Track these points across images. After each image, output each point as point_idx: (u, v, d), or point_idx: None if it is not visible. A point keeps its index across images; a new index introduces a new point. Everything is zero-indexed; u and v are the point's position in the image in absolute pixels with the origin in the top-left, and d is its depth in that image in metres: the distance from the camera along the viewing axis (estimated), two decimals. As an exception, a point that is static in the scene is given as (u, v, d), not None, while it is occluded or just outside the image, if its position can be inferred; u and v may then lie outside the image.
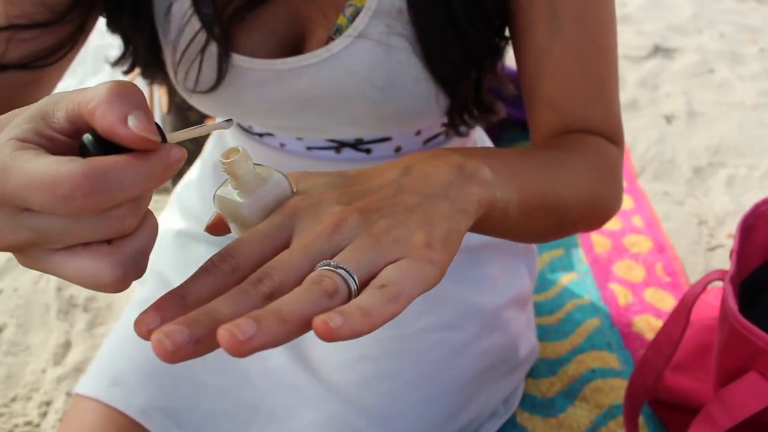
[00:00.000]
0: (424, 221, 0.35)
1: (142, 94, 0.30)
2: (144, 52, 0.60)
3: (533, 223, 0.47)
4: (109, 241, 0.30)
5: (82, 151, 0.29)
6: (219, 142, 0.77)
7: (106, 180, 0.27)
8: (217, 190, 0.37)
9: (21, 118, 0.29)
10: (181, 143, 0.31)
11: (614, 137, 0.57)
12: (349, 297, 0.31)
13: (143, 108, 0.29)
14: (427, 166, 0.40)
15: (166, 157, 0.29)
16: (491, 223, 0.42)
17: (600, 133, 0.56)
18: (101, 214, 0.29)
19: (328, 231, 0.34)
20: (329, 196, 0.37)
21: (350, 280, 0.32)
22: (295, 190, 0.38)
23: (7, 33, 0.51)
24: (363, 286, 0.32)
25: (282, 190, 0.37)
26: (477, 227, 0.42)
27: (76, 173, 0.27)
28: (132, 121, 0.28)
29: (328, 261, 0.32)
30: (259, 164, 0.38)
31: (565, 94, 0.55)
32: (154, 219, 0.32)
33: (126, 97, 0.28)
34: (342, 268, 0.32)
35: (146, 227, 0.32)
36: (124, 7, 0.56)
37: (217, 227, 0.39)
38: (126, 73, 0.64)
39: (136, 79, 0.70)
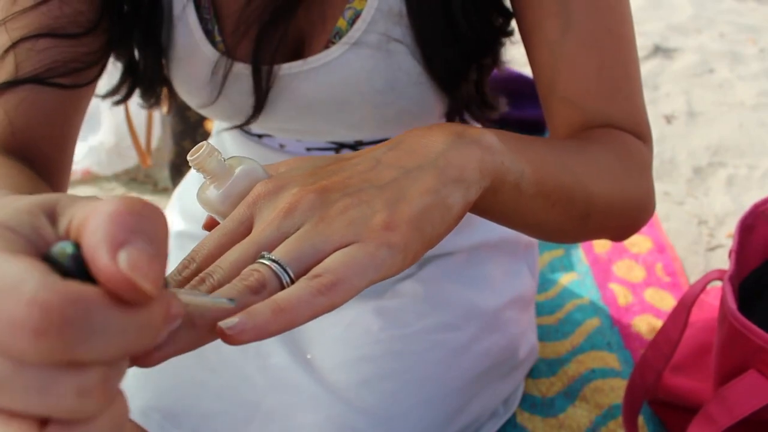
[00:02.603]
0: (392, 199, 0.33)
1: (165, 225, 0.22)
2: (151, 66, 0.59)
3: (553, 210, 0.44)
4: (44, 422, 0.20)
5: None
6: (218, 141, 0.78)
7: (89, 315, 0.19)
8: (199, 188, 0.37)
9: (23, 204, 0.23)
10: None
11: (640, 133, 0.54)
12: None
13: (156, 243, 0.20)
14: (422, 138, 0.37)
15: (165, 308, 0.22)
16: (502, 199, 0.39)
17: (624, 128, 0.53)
18: (57, 370, 0.19)
19: (279, 217, 0.32)
20: (296, 178, 0.35)
21: (282, 274, 0.29)
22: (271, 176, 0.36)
23: (38, 42, 0.50)
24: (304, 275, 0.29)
25: (253, 178, 0.36)
26: (487, 204, 0.39)
27: (52, 288, 0.18)
28: (124, 255, 0.19)
29: (264, 253, 0.30)
30: (235, 156, 0.37)
31: (584, 90, 0.51)
32: (124, 403, 0.22)
33: (137, 217, 0.20)
34: (274, 260, 0.30)
35: (108, 417, 0.21)
36: (137, 22, 0.56)
37: (211, 225, 0.38)
38: (121, 101, 0.62)
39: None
